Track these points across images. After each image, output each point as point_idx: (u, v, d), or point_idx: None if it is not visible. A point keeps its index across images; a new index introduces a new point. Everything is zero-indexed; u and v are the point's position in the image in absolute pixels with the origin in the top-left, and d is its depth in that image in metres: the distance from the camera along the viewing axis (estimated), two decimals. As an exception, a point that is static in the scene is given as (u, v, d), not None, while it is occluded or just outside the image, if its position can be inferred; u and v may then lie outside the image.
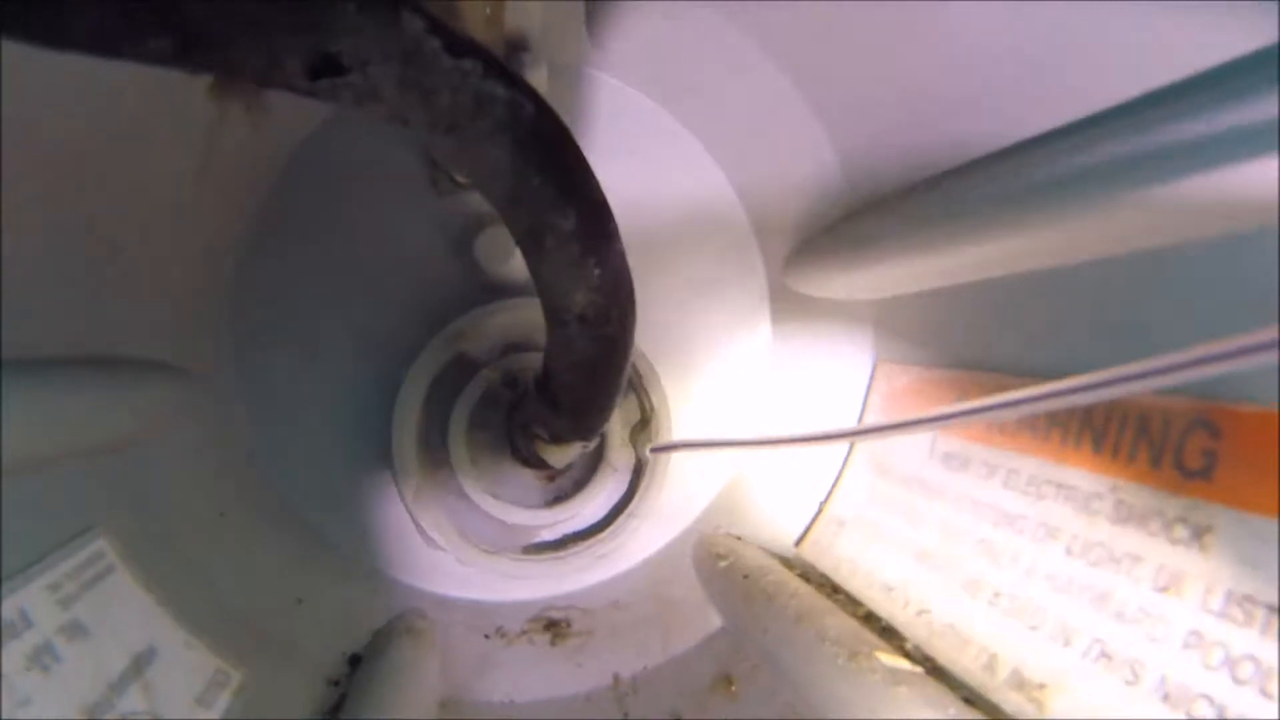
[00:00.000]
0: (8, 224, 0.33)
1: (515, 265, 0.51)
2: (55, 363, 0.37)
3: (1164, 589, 0.27)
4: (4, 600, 0.30)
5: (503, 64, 0.30)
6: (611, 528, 0.53)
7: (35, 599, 0.32)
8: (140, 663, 0.36)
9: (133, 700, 0.34)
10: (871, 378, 0.49)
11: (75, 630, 0.33)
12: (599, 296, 0.35)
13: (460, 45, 0.27)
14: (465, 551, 0.51)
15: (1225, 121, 0.24)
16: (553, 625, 0.52)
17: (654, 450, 0.52)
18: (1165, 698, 0.26)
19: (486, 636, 0.52)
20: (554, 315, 0.37)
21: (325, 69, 0.27)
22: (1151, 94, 0.28)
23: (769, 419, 0.55)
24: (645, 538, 0.55)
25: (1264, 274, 0.26)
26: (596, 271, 0.34)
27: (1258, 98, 0.22)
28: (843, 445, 0.49)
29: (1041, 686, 0.30)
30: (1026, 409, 0.26)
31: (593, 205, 0.34)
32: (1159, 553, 0.28)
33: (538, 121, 0.31)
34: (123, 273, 0.42)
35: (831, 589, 0.43)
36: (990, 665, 0.32)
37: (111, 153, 0.39)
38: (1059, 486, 0.33)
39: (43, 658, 0.31)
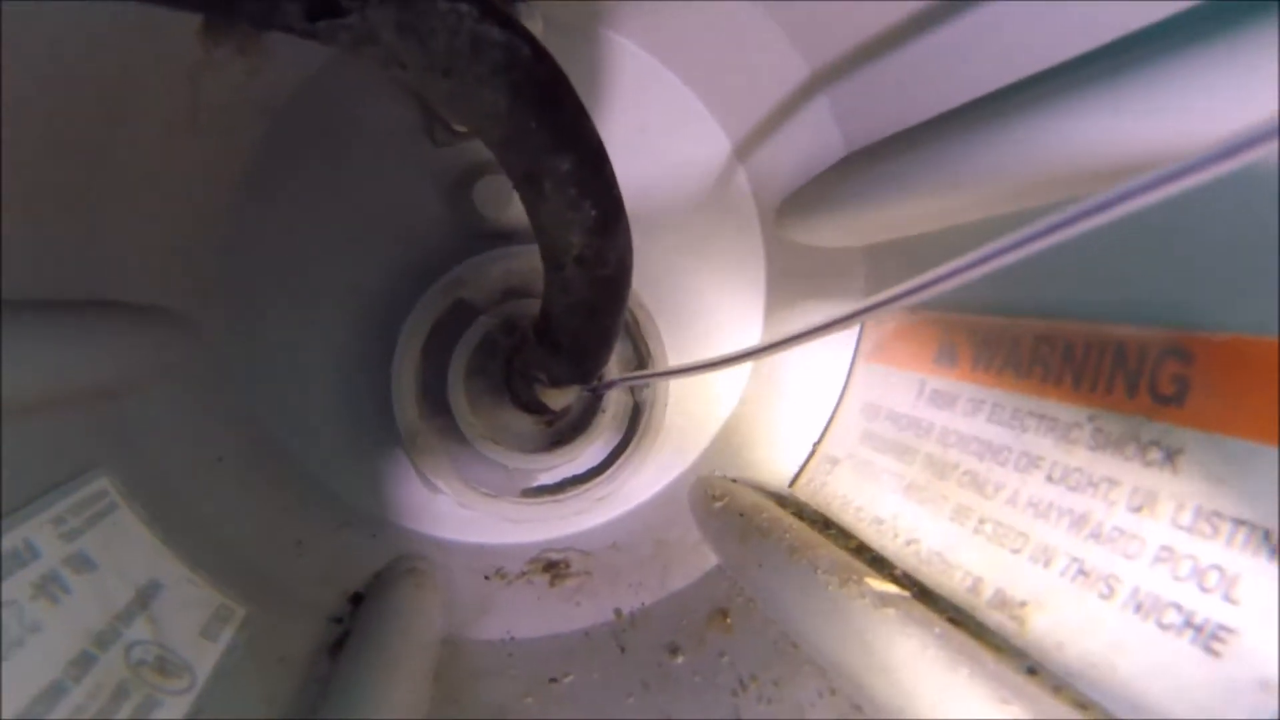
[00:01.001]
0: (1, 166, 0.33)
1: (513, 212, 0.52)
2: (50, 304, 0.38)
3: (1138, 509, 0.29)
4: (8, 532, 0.31)
5: (499, 8, 0.30)
6: (609, 471, 0.54)
7: (40, 531, 0.33)
8: (145, 595, 0.37)
9: (139, 630, 0.35)
10: (862, 324, 0.50)
11: (81, 562, 0.34)
12: (596, 238, 0.36)
13: (456, -12, 0.28)
14: (465, 495, 0.52)
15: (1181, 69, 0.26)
16: (551, 566, 0.53)
17: (598, 389, 0.52)
18: (1138, 609, 0.27)
19: (486, 578, 0.53)
20: (552, 258, 0.37)
21: (323, 10, 0.28)
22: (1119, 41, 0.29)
23: (766, 365, 0.57)
24: (643, 481, 0.56)
25: (1251, 209, 0.27)
26: (593, 213, 0.35)
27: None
28: (834, 387, 0.51)
29: (1023, 605, 0.31)
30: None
31: (589, 149, 0.34)
32: (1134, 475, 0.29)
33: (534, 65, 0.31)
34: (116, 217, 0.43)
35: (824, 524, 0.44)
36: (975, 588, 0.34)
37: (102, 97, 0.39)
38: (1040, 418, 0.34)
39: (50, 587, 0.32)
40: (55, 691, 0.29)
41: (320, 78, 0.51)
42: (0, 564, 0.30)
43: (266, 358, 0.52)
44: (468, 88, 0.31)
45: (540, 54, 0.32)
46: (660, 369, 0.54)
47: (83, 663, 0.31)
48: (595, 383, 0.48)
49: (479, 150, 0.53)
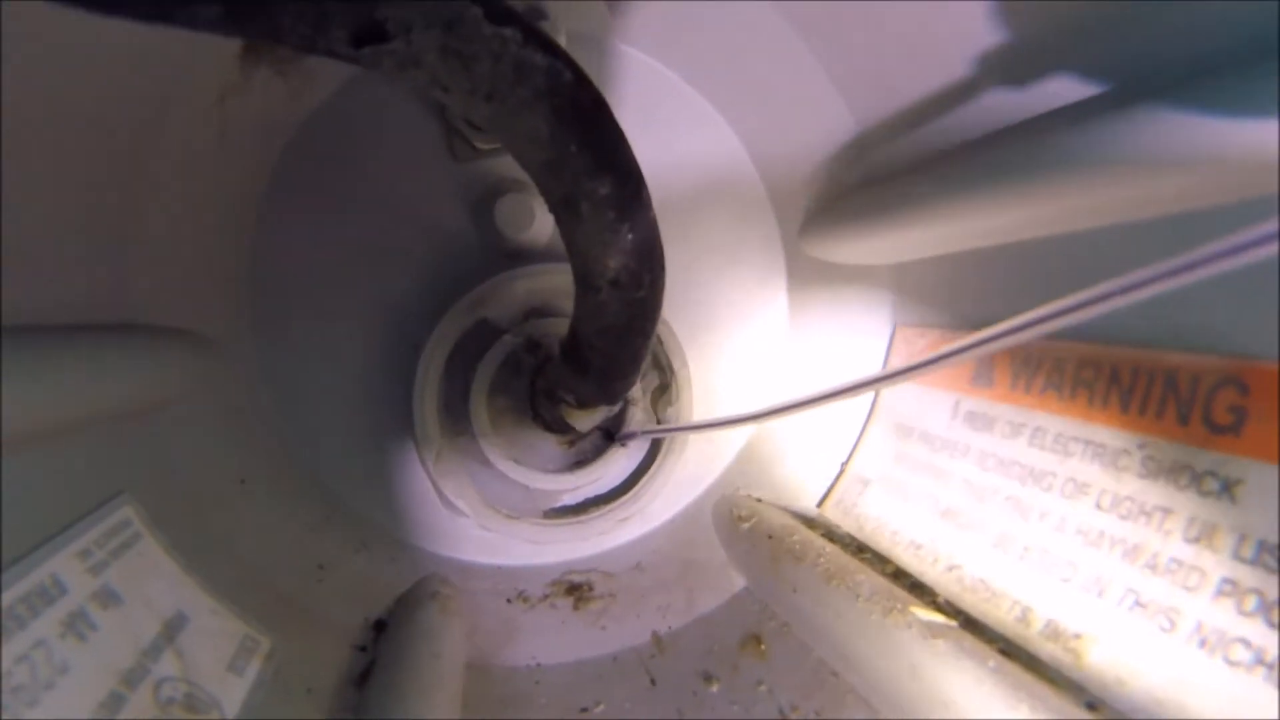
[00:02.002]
0: (32, 189, 0.33)
1: (536, 232, 0.52)
2: (74, 328, 0.38)
3: (1196, 540, 0.28)
4: (36, 567, 0.30)
5: (542, 33, 0.30)
6: (633, 491, 0.53)
7: (66, 566, 0.32)
8: (172, 629, 0.36)
9: (167, 666, 0.35)
10: (890, 342, 0.49)
11: (108, 597, 0.34)
12: (632, 261, 0.36)
13: (500, 13, 0.27)
14: (487, 517, 0.52)
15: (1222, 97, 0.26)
16: (574, 589, 0.53)
17: (620, 439, 0.53)
18: (1202, 644, 0.26)
19: (508, 601, 0.52)
20: (586, 280, 0.37)
21: (369, 36, 0.27)
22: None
23: (787, 384, 0.56)
24: (666, 500, 0.55)
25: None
26: (630, 237, 0.35)
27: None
28: (862, 406, 0.50)
29: (1077, 637, 0.31)
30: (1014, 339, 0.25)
31: (628, 172, 0.34)
32: (1190, 505, 0.29)
33: (576, 90, 0.31)
34: (141, 240, 0.42)
35: (857, 548, 0.43)
36: (1024, 618, 0.33)
37: (132, 120, 0.39)
38: (1086, 443, 0.34)
39: (78, 624, 0.31)
40: (86, 735, 0.29)
41: (341, 96, 0.51)
42: (15, 608, 0.29)
43: (287, 378, 0.52)
44: (510, 112, 0.31)
45: (581, 79, 0.31)
46: (684, 423, 0.54)
47: (112, 704, 0.30)
48: (619, 433, 0.49)
49: (501, 168, 0.53)
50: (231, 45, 0.29)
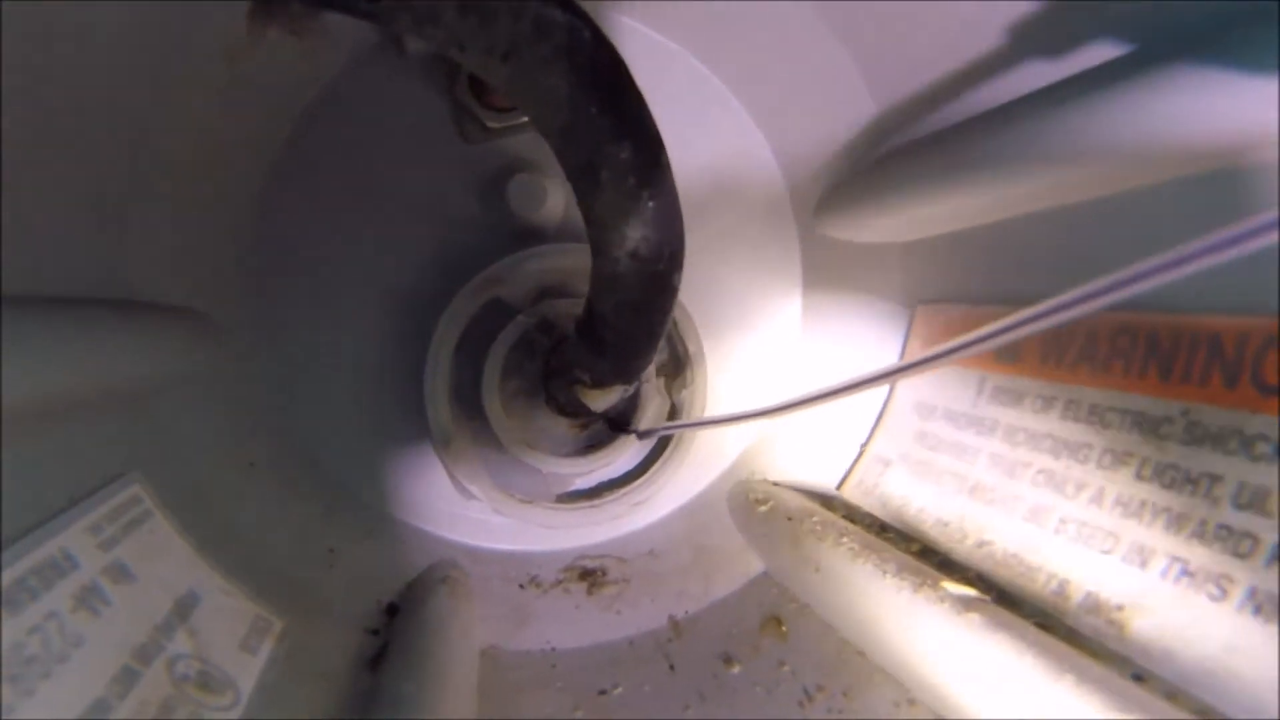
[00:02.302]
0: (31, 163, 0.32)
1: (548, 211, 0.51)
2: (76, 301, 0.37)
3: (1247, 505, 0.27)
4: (47, 541, 0.30)
5: (559, -12, 0.29)
6: (646, 475, 0.53)
7: (78, 540, 0.31)
8: (184, 607, 0.36)
9: (180, 643, 0.34)
10: (911, 321, 0.48)
11: (120, 572, 0.33)
12: (652, 231, 0.35)
13: (518, -32, 0.27)
14: (500, 501, 0.51)
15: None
16: (588, 574, 0.52)
17: (639, 435, 0.52)
18: (1257, 610, 0.26)
19: (521, 586, 0.51)
20: (604, 252, 0.36)
21: (387, -11, 0.27)
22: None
23: (804, 368, 0.55)
24: (680, 485, 0.54)
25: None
26: (651, 204, 0.34)
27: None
28: (880, 388, 0.49)
29: (1120, 609, 0.30)
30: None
31: (649, 137, 0.33)
32: (1239, 470, 0.28)
33: (595, 49, 0.30)
34: (144, 213, 0.41)
35: (880, 527, 0.42)
36: (1062, 591, 0.32)
37: (135, 87, 0.38)
38: (1124, 413, 0.33)
39: (90, 599, 0.30)
40: (100, 709, 0.27)
41: (347, 77, 0.50)
42: (28, 579, 0.28)
43: (296, 360, 0.51)
44: (528, 72, 0.30)
45: (600, 39, 0.30)
46: (697, 419, 0.53)
47: (126, 679, 0.29)
48: (635, 429, 0.49)
49: (512, 148, 0.52)
50: (240, 5, 0.28)
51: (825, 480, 0.50)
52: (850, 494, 0.47)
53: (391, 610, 0.46)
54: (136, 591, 0.33)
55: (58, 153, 0.34)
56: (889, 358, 0.49)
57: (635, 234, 0.35)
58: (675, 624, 0.47)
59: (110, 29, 0.33)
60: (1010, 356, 0.40)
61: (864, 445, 0.49)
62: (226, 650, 0.36)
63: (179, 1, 0.36)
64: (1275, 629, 0.25)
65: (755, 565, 0.49)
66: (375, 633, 0.44)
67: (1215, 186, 0.29)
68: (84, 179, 0.37)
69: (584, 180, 0.33)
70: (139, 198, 0.41)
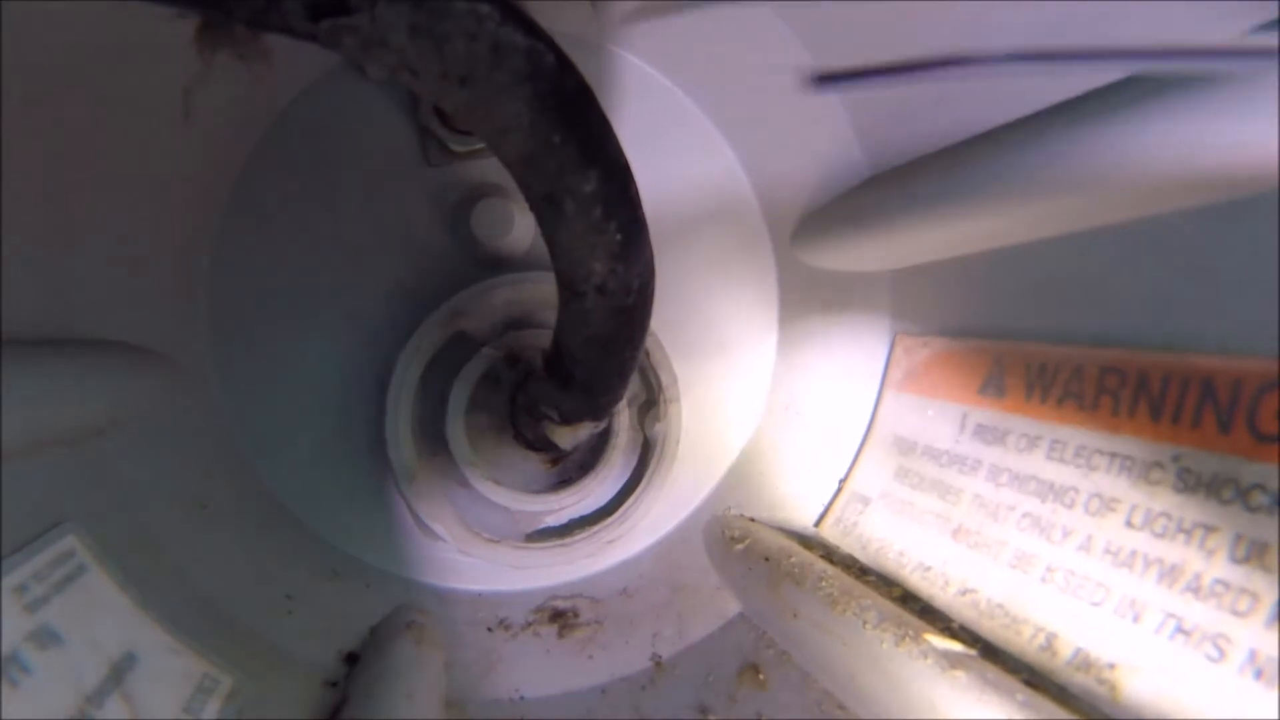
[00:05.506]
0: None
1: (514, 239, 0.49)
2: (18, 343, 0.34)
3: (1244, 560, 0.26)
4: None
5: (522, 11, 0.27)
6: (619, 511, 0.51)
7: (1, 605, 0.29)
8: (120, 670, 0.33)
9: (113, 709, 0.31)
10: (890, 351, 0.47)
11: (46, 637, 0.30)
12: (620, 265, 0.33)
13: (475, -13, 0.25)
14: (466, 541, 0.49)
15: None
16: (559, 616, 0.50)
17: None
18: (1259, 674, 0.24)
19: (489, 630, 0.49)
20: (570, 286, 0.34)
21: (328, 9, 0.25)
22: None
23: (781, 395, 0.53)
24: (654, 521, 0.52)
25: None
26: (618, 238, 0.32)
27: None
28: (860, 420, 0.48)
29: (1112, 667, 0.28)
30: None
31: (615, 166, 0.31)
32: (1236, 521, 0.26)
33: (559, 74, 0.28)
34: (91, 247, 0.39)
35: (860, 570, 0.41)
36: (1050, 646, 0.30)
37: (83, 118, 0.36)
38: (1112, 456, 0.32)
39: (10, 670, 0.28)
40: (16, 798, 0.25)
41: (307, 98, 0.48)
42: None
43: (251, 393, 0.49)
44: (486, 98, 0.28)
45: (565, 63, 0.29)
46: None
47: (48, 757, 0.27)
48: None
49: (478, 172, 0.50)
50: (188, 29, 0.26)
51: (803, 516, 0.48)
52: (829, 532, 0.46)
53: (351, 659, 0.44)
54: (64, 656, 0.30)
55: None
56: (867, 388, 0.48)
57: (602, 268, 0.33)
58: (649, 671, 0.45)
59: (59, 56, 0.32)
60: (995, 391, 0.39)
61: (842, 481, 0.47)
62: (167, 715, 0.34)
63: (131, 24, 0.34)
64: (1277, 696, 0.23)
65: (732, 605, 0.47)
66: (334, 685, 0.42)
67: (1206, 219, 0.28)
68: (22, 210, 0.35)
69: (547, 211, 0.32)
70: (84, 230, 0.39)
